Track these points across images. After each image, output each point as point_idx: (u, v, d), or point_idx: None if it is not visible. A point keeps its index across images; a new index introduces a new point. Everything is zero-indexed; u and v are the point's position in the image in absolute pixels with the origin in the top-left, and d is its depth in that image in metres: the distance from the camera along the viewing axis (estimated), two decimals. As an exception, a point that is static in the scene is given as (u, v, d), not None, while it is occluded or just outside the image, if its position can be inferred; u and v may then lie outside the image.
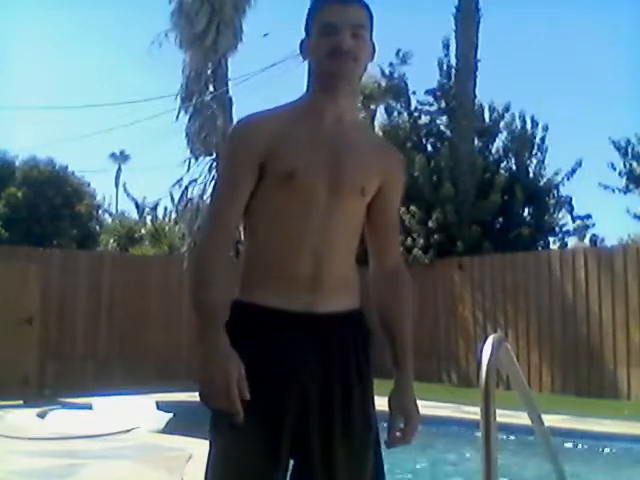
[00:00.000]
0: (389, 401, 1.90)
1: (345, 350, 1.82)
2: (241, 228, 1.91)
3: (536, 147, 12.94)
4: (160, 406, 7.27)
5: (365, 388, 1.85)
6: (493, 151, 13.18)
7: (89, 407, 7.81)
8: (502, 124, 13.18)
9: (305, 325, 1.78)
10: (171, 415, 6.79)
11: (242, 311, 1.77)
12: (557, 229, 12.99)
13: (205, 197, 13.20)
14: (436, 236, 11.70)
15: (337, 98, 1.84)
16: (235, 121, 2.01)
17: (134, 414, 7.00)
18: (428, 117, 13.57)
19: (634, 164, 13.52)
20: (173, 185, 14.06)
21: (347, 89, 1.84)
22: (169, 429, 6.44)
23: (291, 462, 1.78)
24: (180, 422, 6.54)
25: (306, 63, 1.90)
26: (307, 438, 1.75)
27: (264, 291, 1.79)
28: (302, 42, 1.89)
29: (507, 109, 13.22)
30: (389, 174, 1.93)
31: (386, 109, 14.09)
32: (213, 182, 13.01)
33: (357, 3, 1.84)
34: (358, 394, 1.82)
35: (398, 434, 1.89)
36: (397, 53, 14.85)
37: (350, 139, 1.87)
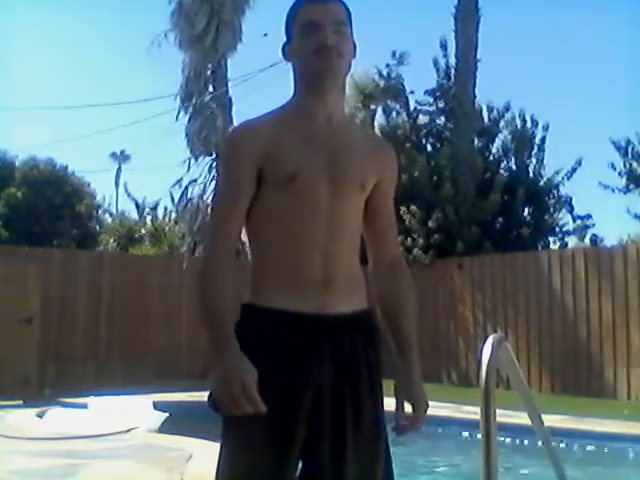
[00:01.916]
0: (395, 389, 1.90)
1: (356, 351, 1.83)
2: (244, 230, 1.90)
3: (536, 147, 12.92)
4: (157, 406, 7.26)
5: (375, 388, 1.86)
6: (493, 151, 13.16)
7: (84, 407, 7.79)
8: (502, 124, 13.18)
9: (319, 327, 1.79)
10: (167, 415, 6.78)
11: (257, 315, 1.78)
12: (557, 229, 12.96)
13: (205, 197, 13.21)
14: (436, 236, 11.69)
15: (326, 97, 1.85)
16: (233, 123, 2.03)
17: (131, 414, 6.99)
18: (428, 117, 13.56)
19: (634, 164, 13.52)
20: (173, 185, 14.10)
21: (335, 87, 1.86)
22: (165, 429, 6.43)
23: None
24: (176, 422, 6.53)
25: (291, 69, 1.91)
26: (318, 439, 1.75)
27: (277, 294, 1.80)
28: (284, 46, 1.91)
29: (507, 109, 13.22)
30: (385, 169, 1.97)
31: (385, 109, 14.09)
32: (213, 185, 13.01)
33: (336, 1, 1.87)
34: (368, 395, 1.83)
35: (406, 422, 1.89)
36: (393, 54, 14.83)
37: (344, 138, 1.89)
